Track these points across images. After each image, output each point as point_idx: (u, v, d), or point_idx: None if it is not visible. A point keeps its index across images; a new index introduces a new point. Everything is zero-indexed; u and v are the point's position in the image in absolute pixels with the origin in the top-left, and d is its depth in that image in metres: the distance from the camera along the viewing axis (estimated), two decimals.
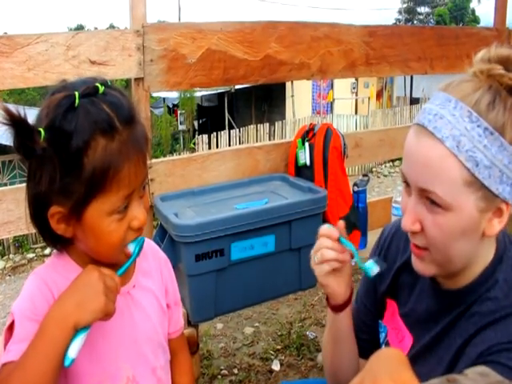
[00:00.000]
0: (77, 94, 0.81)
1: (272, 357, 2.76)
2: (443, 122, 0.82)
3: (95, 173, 0.81)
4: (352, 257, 1.04)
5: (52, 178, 0.82)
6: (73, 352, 0.80)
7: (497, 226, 0.88)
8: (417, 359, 0.99)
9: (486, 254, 0.93)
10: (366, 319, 1.19)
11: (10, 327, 0.86)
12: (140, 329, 0.99)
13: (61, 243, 0.92)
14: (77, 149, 0.80)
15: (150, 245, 1.09)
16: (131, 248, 0.90)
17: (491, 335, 0.86)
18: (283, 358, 2.75)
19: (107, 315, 0.85)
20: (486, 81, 0.85)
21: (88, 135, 0.80)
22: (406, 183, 0.91)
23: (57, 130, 0.80)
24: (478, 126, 0.81)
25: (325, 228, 1.03)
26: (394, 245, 1.13)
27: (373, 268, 1.01)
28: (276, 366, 2.67)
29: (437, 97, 0.87)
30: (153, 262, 1.07)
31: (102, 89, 0.84)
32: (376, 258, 1.03)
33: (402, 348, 1.05)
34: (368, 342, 1.16)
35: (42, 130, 0.80)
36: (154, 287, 1.04)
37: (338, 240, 1.01)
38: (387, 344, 1.11)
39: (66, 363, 0.80)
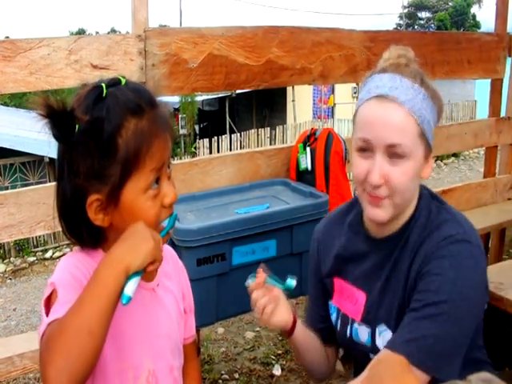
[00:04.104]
0: (103, 85, 0.88)
1: (273, 361, 2.75)
2: (399, 92, 1.07)
3: (129, 151, 0.86)
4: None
5: (90, 165, 0.86)
6: (129, 290, 0.82)
7: (429, 169, 1.15)
8: (374, 307, 1.17)
9: (415, 197, 1.17)
10: (319, 310, 1.34)
11: (49, 298, 0.88)
12: (162, 326, 1.02)
13: (94, 239, 0.94)
14: (111, 131, 0.86)
15: (170, 251, 1.14)
16: (165, 223, 0.95)
17: (425, 248, 1.10)
18: (284, 362, 2.75)
19: (156, 260, 0.87)
20: (415, 68, 1.12)
21: (120, 117, 0.86)
22: (363, 149, 1.10)
23: (90, 117, 0.85)
24: (419, 93, 1.08)
25: (250, 284, 1.18)
26: (327, 237, 1.32)
27: (292, 281, 1.18)
28: (277, 371, 2.67)
29: (381, 77, 1.11)
30: (172, 266, 1.11)
31: (123, 80, 0.91)
32: (290, 276, 1.21)
33: (358, 308, 1.20)
34: (326, 329, 1.33)
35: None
36: (174, 289, 1.08)
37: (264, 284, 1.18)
38: (343, 316, 1.25)
39: (124, 301, 0.81)
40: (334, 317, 1.29)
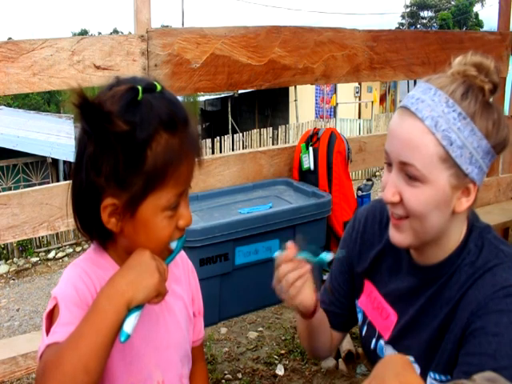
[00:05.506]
0: (140, 88, 0.82)
1: (276, 361, 2.75)
2: (424, 105, 0.95)
3: (156, 166, 0.82)
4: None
5: (114, 168, 0.82)
6: (128, 327, 0.79)
7: (465, 204, 0.99)
8: (403, 333, 1.09)
9: (459, 231, 1.04)
10: (339, 297, 1.27)
11: (51, 312, 0.86)
12: (172, 335, 0.99)
13: (102, 239, 0.91)
14: (142, 140, 0.81)
15: (180, 253, 1.09)
16: (173, 245, 0.92)
17: (475, 294, 0.97)
18: (287, 362, 2.75)
19: (160, 294, 0.85)
20: (461, 79, 0.98)
21: (153, 128, 0.82)
22: (388, 163, 1.01)
23: (123, 121, 0.80)
24: (454, 111, 0.93)
25: (279, 256, 1.07)
26: (369, 228, 1.22)
27: (327, 255, 1.06)
28: (280, 371, 2.66)
29: (419, 86, 1.00)
30: (182, 269, 1.08)
31: (159, 87, 0.86)
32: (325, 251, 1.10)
33: (387, 325, 1.13)
34: (342, 317, 1.27)
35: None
36: (184, 294, 1.05)
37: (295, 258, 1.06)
38: (370, 324, 1.18)
39: (122, 338, 0.79)
40: (359, 318, 1.23)
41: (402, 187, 0.97)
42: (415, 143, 0.94)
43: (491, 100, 0.98)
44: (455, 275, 1.02)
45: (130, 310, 0.80)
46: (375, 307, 1.18)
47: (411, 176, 0.95)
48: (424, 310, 1.06)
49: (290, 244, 1.08)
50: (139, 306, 0.82)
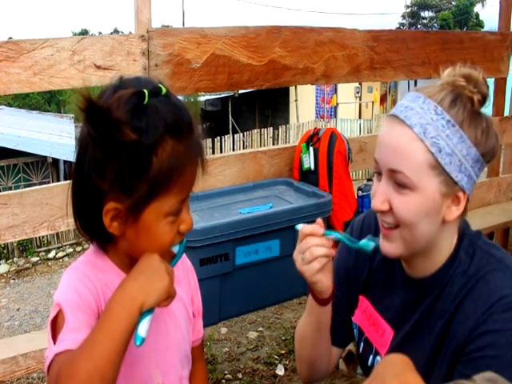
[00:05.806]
0: (146, 92, 0.81)
1: (276, 361, 2.75)
2: (413, 113, 0.95)
3: (161, 173, 0.82)
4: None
5: (118, 173, 0.81)
6: (142, 331, 0.80)
7: (455, 212, 0.98)
8: (400, 349, 1.05)
9: (450, 241, 1.03)
10: (339, 311, 1.24)
11: (55, 319, 0.85)
12: (171, 337, 0.99)
13: (102, 241, 0.91)
14: (148, 146, 0.80)
15: None
16: (175, 248, 0.92)
17: (472, 307, 0.95)
18: (287, 362, 2.75)
19: (170, 297, 0.85)
20: (450, 88, 0.98)
21: (159, 134, 0.81)
22: (378, 173, 1.00)
23: (129, 127, 0.79)
24: (442, 119, 0.94)
25: (307, 227, 1.06)
26: (364, 236, 1.19)
27: (370, 243, 1.05)
28: (280, 371, 2.67)
29: (408, 95, 1.00)
30: (181, 269, 1.08)
31: (164, 90, 0.84)
32: (369, 237, 1.07)
33: (384, 341, 1.11)
34: (342, 330, 1.25)
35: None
36: (183, 295, 1.05)
37: (323, 235, 1.04)
38: (366, 341, 1.17)
39: (138, 342, 0.79)
40: (355, 334, 1.22)
41: (391, 195, 0.97)
42: (404, 150, 0.94)
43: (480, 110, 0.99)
44: (448, 286, 1.01)
45: (142, 314, 0.80)
46: (371, 323, 1.17)
47: (400, 183, 0.95)
48: (419, 324, 1.05)
49: (319, 220, 1.07)
50: (150, 310, 0.82)
